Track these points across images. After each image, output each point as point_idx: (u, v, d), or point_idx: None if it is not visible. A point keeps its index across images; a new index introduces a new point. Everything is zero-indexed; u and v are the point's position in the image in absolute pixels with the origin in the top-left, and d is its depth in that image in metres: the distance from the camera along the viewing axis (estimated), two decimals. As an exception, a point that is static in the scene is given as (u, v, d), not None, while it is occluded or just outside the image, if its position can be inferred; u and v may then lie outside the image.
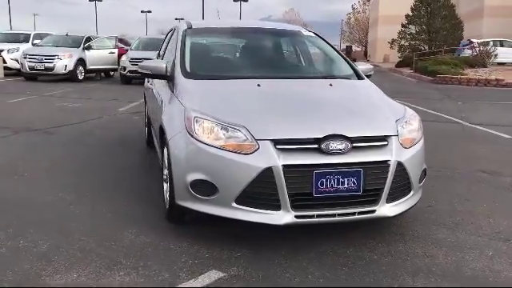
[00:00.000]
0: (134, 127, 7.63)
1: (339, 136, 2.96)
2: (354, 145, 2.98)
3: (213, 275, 2.77)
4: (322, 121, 3.13)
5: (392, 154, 3.05)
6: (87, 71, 17.37)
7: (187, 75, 3.76)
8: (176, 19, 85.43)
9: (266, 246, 3.14)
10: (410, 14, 31.08)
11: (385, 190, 3.04)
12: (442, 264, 2.97)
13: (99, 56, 17.78)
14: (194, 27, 4.49)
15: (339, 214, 2.99)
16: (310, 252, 3.08)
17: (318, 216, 2.96)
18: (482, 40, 26.08)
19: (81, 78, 16.90)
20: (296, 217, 2.92)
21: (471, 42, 26.34)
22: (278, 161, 2.85)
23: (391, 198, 3.10)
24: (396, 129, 3.18)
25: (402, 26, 31.38)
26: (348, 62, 4.34)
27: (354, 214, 3.02)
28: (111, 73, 19.26)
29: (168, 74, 3.96)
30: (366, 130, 3.09)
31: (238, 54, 4.44)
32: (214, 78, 3.80)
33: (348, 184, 2.94)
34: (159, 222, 3.54)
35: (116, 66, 18.39)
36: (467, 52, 25.49)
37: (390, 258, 3.04)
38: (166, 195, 3.56)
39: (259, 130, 2.96)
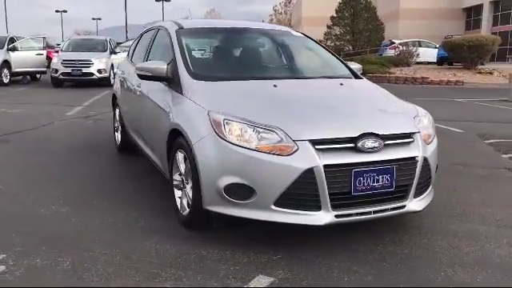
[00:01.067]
0: (93, 133, 7.30)
1: (372, 134, 3.00)
2: (386, 142, 3.03)
3: (263, 280, 2.70)
4: (354, 120, 3.16)
5: (419, 150, 3.14)
6: (12, 74, 16.28)
7: (196, 77, 3.64)
8: (93, 19, 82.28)
9: (299, 248, 3.12)
10: (335, 15, 32.17)
11: (413, 186, 3.13)
12: (470, 254, 3.11)
13: (26, 58, 16.71)
14: (185, 27, 4.35)
15: (374, 211, 3.03)
16: (346, 251, 3.10)
17: (356, 214, 2.98)
18: (402, 40, 27.57)
19: (6, 81, 15.85)
20: (336, 216, 2.92)
21: (393, 43, 27.77)
22: (319, 161, 2.83)
23: (417, 193, 3.20)
24: (417, 126, 3.28)
25: (328, 27, 32.45)
26: (342, 62, 4.42)
27: (387, 210, 3.08)
28: (38, 76, 18.17)
29: (169, 75, 3.81)
30: (395, 128, 3.16)
31: (239, 55, 4.35)
32: (225, 79, 3.72)
33: (382, 181, 2.99)
34: (177, 229, 3.40)
35: (44, 69, 17.39)
36: (389, 52, 26.81)
37: (420, 251, 3.13)
38: (183, 202, 3.43)
39: (295, 131, 2.93)
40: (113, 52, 16.89)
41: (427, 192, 3.34)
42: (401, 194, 3.11)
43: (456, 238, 3.36)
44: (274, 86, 3.57)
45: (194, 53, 4.06)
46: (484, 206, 4.03)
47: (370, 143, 2.96)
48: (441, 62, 25.79)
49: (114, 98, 5.96)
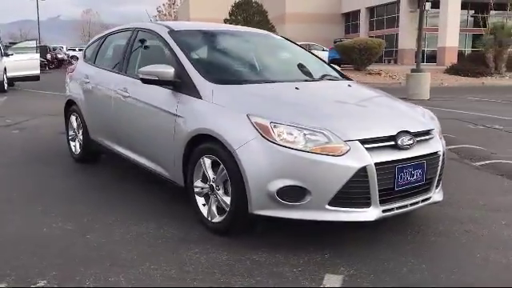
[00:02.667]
0: (27, 142, 6.74)
1: (406, 132, 3.21)
2: (417, 139, 3.26)
3: (333, 278, 2.77)
4: (388, 119, 3.35)
5: (440, 145, 3.42)
6: None
7: (214, 80, 3.57)
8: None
9: (341, 244, 3.23)
10: (228, 18, 32.54)
11: (436, 178, 3.40)
12: (486, 236, 3.45)
13: None
14: (176, 30, 4.22)
15: (410, 204, 3.24)
16: (388, 244, 3.26)
17: (397, 208, 3.17)
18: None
19: None
20: (383, 211, 3.07)
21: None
22: (371, 159, 2.97)
23: (437, 185, 3.48)
24: (432, 123, 3.56)
25: (221, 29, 32.68)
26: (327, 64, 4.61)
27: (418, 202, 3.30)
28: None
29: (176, 79, 3.69)
30: (420, 125, 3.40)
31: (243, 58, 4.31)
32: (242, 82, 3.72)
33: (417, 175, 3.21)
34: (208, 237, 3.32)
35: None
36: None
37: (444, 238, 3.41)
38: (212, 208, 3.37)
39: (343, 132, 3.03)
40: (5, 54, 15.48)
41: (441, 183, 3.63)
42: (427, 186, 3.35)
43: (463, 223, 3.69)
44: (296, 88, 3.63)
45: (203, 56, 3.96)
46: (480, 194, 4.41)
47: (407, 140, 3.16)
48: (332, 63, 27.34)
49: (70, 104, 5.55)
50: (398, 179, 3.10)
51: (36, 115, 9.40)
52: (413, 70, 14.33)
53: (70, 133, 5.62)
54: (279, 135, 2.99)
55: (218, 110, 3.34)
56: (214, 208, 3.37)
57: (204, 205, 3.49)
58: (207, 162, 3.36)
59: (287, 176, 2.96)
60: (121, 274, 2.78)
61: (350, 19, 44.72)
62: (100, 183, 4.65)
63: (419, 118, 3.56)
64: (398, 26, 36.58)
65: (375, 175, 2.97)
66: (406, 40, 34.69)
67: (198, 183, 3.50)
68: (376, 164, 2.98)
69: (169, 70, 3.68)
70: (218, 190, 3.31)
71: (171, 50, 3.94)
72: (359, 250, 3.16)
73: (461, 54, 32.99)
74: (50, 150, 6.11)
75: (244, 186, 3.06)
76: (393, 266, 2.94)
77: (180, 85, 3.69)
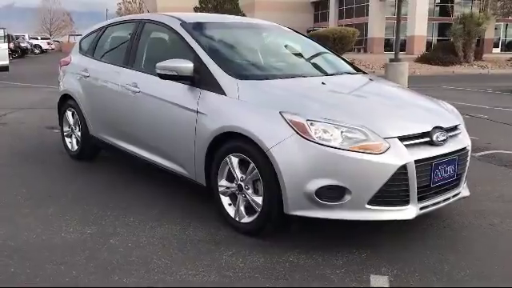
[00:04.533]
0: (14, 139, 6.39)
1: (439, 128, 3.18)
2: (448, 134, 3.23)
3: (380, 279, 2.72)
4: (421, 115, 3.31)
5: (469, 140, 3.41)
6: None
7: (238, 76, 3.45)
8: None
9: (376, 243, 3.18)
10: (199, 6, 32.11)
11: (465, 173, 3.40)
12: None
13: None
14: (188, 22, 4.06)
15: (443, 200, 3.22)
16: (421, 242, 3.24)
17: (432, 205, 3.14)
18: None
19: None
20: (420, 208, 3.04)
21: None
22: (411, 157, 2.92)
23: (464, 180, 3.47)
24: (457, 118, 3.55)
25: (192, 18, 32.21)
26: (339, 56, 4.53)
27: (449, 198, 3.29)
28: None
29: (195, 75, 3.55)
30: (450, 120, 3.38)
31: (262, 51, 4.18)
32: (267, 77, 3.61)
33: (449, 171, 3.20)
34: (239, 238, 3.23)
35: None
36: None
37: (473, 232, 3.42)
38: (241, 208, 3.27)
39: (381, 129, 2.97)
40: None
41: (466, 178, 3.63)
42: (457, 182, 3.34)
43: (485, 217, 3.70)
44: (323, 83, 3.55)
45: (215, 49, 3.81)
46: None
47: (441, 136, 3.13)
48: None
49: (65, 98, 5.29)
50: (434, 176, 3.07)
51: (14, 109, 9.02)
52: (391, 60, 14.43)
53: (66, 129, 5.38)
54: (316, 133, 2.90)
55: (246, 107, 3.23)
56: (242, 208, 3.27)
57: (230, 205, 3.38)
58: (234, 160, 3.25)
59: (326, 175, 2.88)
60: (159, 282, 2.66)
61: (320, 8, 44.84)
62: (108, 182, 4.46)
63: (447, 113, 3.53)
64: (367, 15, 36.93)
65: (414, 172, 2.93)
66: (376, 29, 35.09)
67: (223, 182, 3.39)
68: (415, 161, 2.93)
69: (188, 65, 3.53)
70: (248, 189, 3.21)
71: (186, 43, 3.79)
72: (395, 248, 3.12)
73: (428, 43, 33.62)
74: (42, 147, 5.85)
75: (279, 186, 2.97)
76: (433, 264, 2.92)
77: (199, 80, 3.55)
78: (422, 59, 24.67)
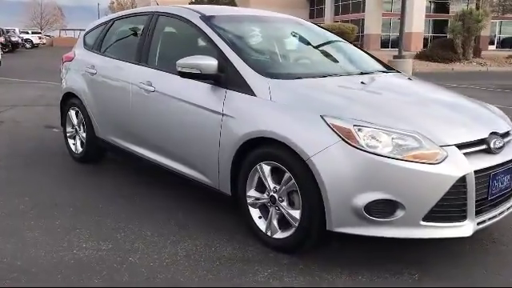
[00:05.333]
0: (16, 139, 6.01)
1: (495, 134, 2.87)
2: (504, 140, 2.92)
3: None
4: (475, 119, 3.00)
5: None
6: None
7: (268, 75, 3.12)
8: None
9: (429, 260, 2.88)
10: (193, 0, 31.69)
11: (518, 184, 3.08)
12: None
13: None
14: (209, 15, 3.71)
15: (498, 214, 2.92)
16: (477, 263, 2.94)
17: (489, 219, 2.83)
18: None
19: None
20: (477, 224, 2.73)
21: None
22: (470, 167, 2.61)
23: (517, 190, 3.16)
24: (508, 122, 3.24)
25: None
26: (368, 53, 4.21)
27: (505, 210, 2.98)
28: None
29: (219, 73, 3.22)
30: (502, 126, 3.07)
31: (290, 48, 3.85)
32: (301, 76, 3.28)
33: (505, 182, 2.89)
34: (273, 255, 2.91)
35: None
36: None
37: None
38: (273, 222, 2.95)
39: (436, 135, 2.66)
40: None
41: None
42: (511, 192, 3.04)
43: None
44: (362, 83, 3.23)
45: (241, 46, 3.47)
46: None
47: (498, 143, 2.82)
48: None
49: (69, 97, 4.93)
50: (492, 187, 2.77)
51: (9, 106, 8.60)
52: (395, 57, 14.17)
53: (69, 129, 5.02)
54: (364, 140, 2.58)
55: (280, 110, 2.89)
56: (275, 222, 2.95)
57: (260, 217, 3.06)
58: (266, 169, 2.93)
59: (377, 188, 2.56)
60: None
61: (315, 3, 44.50)
62: (117, 188, 4.11)
63: (498, 117, 3.22)
64: (364, 11, 36.65)
65: (474, 184, 2.61)
66: (372, 25, 34.82)
67: (252, 193, 3.06)
68: (475, 172, 2.62)
69: (212, 62, 3.20)
70: (282, 201, 2.89)
71: (208, 38, 3.45)
72: (447, 267, 2.82)
73: (424, 40, 33.44)
74: (42, 148, 5.48)
75: (321, 200, 2.65)
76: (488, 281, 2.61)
77: (224, 79, 3.21)
78: (421, 56, 24.43)
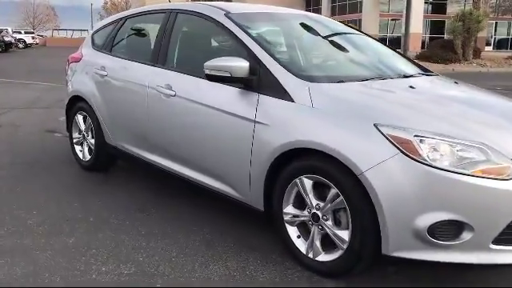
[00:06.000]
0: (16, 144, 5.67)
1: None
2: None
3: None
4: None
5: None
6: None
7: (309, 78, 2.82)
8: None
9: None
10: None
11: None
12: None
13: None
14: (234, 12, 3.40)
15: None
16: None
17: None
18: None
19: None
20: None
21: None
22: (544, 183, 2.31)
23: None
24: None
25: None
26: (402, 55, 3.92)
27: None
28: None
29: (249, 76, 2.92)
30: None
31: (327, 47, 3.54)
32: (345, 79, 2.97)
33: None
34: (318, 280, 2.60)
35: None
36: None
37: None
38: (316, 242, 2.66)
39: (504, 147, 2.36)
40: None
41: None
42: None
43: None
44: (411, 87, 2.93)
45: (273, 46, 3.17)
46: None
47: None
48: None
49: (75, 100, 4.60)
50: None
51: (6, 108, 8.24)
52: (399, 58, 13.90)
53: (75, 135, 4.69)
54: (427, 152, 2.29)
55: (325, 118, 2.59)
56: (317, 243, 2.65)
57: (299, 237, 2.76)
58: (307, 183, 2.63)
59: (442, 207, 2.26)
60: None
61: (312, 3, 44.24)
62: (132, 200, 3.80)
63: None
64: (361, 12, 36.44)
65: (545, 202, 2.32)
66: (370, 26, 34.59)
67: (290, 209, 2.76)
68: None
69: (244, 64, 2.89)
70: (326, 220, 2.58)
71: (236, 38, 3.14)
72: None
73: (421, 41, 33.30)
74: (45, 155, 5.14)
75: (375, 220, 2.35)
76: None
77: (256, 83, 2.91)
78: (421, 57, 24.21)
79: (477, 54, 24.71)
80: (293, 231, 2.77)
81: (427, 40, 36.48)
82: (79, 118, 4.58)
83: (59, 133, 6.25)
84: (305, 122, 2.64)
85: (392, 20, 37.09)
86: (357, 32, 4.00)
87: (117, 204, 3.70)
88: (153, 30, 3.90)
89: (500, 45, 40.44)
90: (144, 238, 3.09)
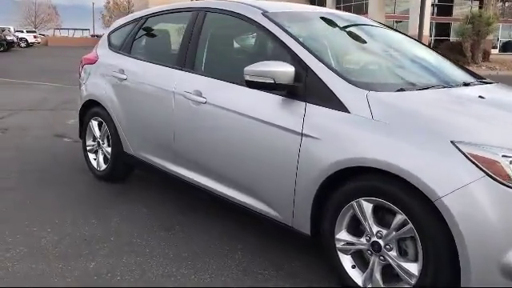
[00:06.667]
0: (25, 150, 5.33)
1: None
2: None
3: None
4: None
5: None
6: None
7: (366, 85, 2.49)
8: None
9: None
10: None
11: None
12: None
13: None
14: (273, 11, 3.07)
15: None
16: None
17: None
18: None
19: None
20: None
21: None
22: None
23: None
24: None
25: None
26: (451, 60, 3.58)
27: None
28: None
29: (297, 84, 2.59)
30: None
31: (378, 52, 3.21)
32: (409, 87, 2.64)
33: None
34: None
35: None
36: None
37: None
38: (376, 275, 2.32)
39: None
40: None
41: None
42: None
43: None
44: (481, 97, 2.59)
45: (321, 49, 2.83)
46: None
47: None
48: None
49: (90, 105, 4.27)
50: None
51: (11, 110, 7.91)
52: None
53: (89, 142, 4.36)
54: (517, 175, 1.95)
55: (389, 132, 2.25)
56: (377, 275, 2.31)
57: (353, 267, 2.43)
58: (367, 207, 2.30)
59: (536, 240, 1.92)
60: None
61: (316, 3, 43.92)
62: (156, 216, 3.46)
63: None
64: (366, 13, 36.08)
65: None
66: (376, 27, 34.24)
67: (343, 235, 2.43)
68: None
69: (289, 70, 2.57)
70: (390, 250, 2.25)
71: (278, 40, 2.82)
72: None
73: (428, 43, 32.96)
74: (56, 163, 4.80)
75: (453, 253, 2.01)
76: None
77: (302, 90, 2.58)
78: (429, 59, 23.86)
79: (486, 56, 24.39)
80: (347, 260, 2.44)
81: (433, 42, 36.14)
82: (94, 124, 4.26)
83: (69, 138, 5.92)
84: (365, 137, 2.31)
85: (397, 22, 36.79)
86: (404, 36, 3.66)
87: (137, 220, 3.38)
88: (177, 30, 3.56)
89: (506, 48, 40.12)
90: (173, 263, 2.76)
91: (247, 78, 2.62)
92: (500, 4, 27.65)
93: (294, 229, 2.66)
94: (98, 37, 63.48)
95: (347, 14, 3.76)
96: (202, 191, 3.21)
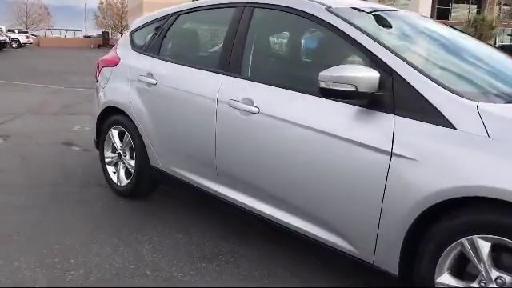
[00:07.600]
0: (30, 159, 4.83)
1: None
2: None
3: None
4: None
5: None
6: None
7: (474, 96, 2.05)
8: None
9: None
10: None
11: None
12: None
13: None
14: (337, 7, 2.63)
15: None
16: None
17: None
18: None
19: None
20: None
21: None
22: None
23: None
24: None
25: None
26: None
27: None
28: None
29: (381, 92, 2.14)
30: None
31: (469, 56, 2.78)
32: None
33: None
34: None
35: None
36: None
37: None
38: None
39: None
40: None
41: None
42: None
43: None
44: None
45: (405, 51, 2.39)
46: None
47: None
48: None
49: (109, 112, 3.80)
50: None
51: (12, 114, 7.39)
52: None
53: (108, 154, 3.88)
54: None
55: (509, 154, 1.80)
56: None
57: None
58: (483, 246, 1.86)
59: None
60: None
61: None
62: (194, 242, 2.99)
63: None
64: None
65: None
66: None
67: (447, 279, 2.00)
68: None
69: (374, 75, 2.12)
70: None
71: (354, 41, 2.37)
72: None
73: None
74: (69, 176, 4.32)
75: None
76: None
77: (389, 100, 2.14)
78: (431, 63, 23.67)
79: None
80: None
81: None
82: (114, 133, 3.79)
83: (77, 146, 5.45)
84: (481, 159, 1.86)
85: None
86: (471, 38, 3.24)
87: (172, 247, 2.92)
88: (220, 28, 3.10)
89: (504, 51, 40.03)
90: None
91: (322, 84, 2.17)
92: (497, 8, 27.52)
93: (376, 267, 2.21)
94: (91, 38, 62.68)
95: (413, 13, 3.31)
96: (252, 215, 2.75)
